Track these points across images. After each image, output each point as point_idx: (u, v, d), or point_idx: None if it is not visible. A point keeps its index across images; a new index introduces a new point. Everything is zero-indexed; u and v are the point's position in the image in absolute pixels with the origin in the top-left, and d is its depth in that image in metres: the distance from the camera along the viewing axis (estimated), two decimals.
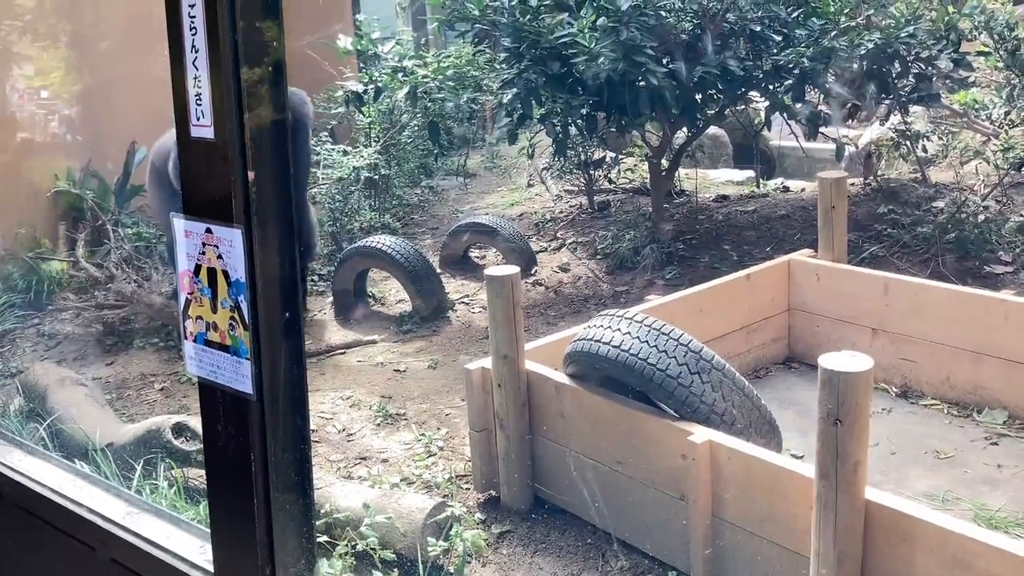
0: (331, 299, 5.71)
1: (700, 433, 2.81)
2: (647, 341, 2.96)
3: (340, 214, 6.30)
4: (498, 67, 5.34)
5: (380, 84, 5.28)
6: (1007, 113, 7.11)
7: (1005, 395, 3.80)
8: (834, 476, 2.34)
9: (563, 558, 3.18)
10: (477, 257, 6.34)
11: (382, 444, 4.08)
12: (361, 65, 6.25)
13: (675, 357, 2.91)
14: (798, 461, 2.75)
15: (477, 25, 5.17)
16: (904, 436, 3.73)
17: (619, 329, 3.03)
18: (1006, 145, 5.99)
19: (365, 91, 5.42)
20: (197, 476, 3.68)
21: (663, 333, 2.97)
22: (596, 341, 3.06)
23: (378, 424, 4.26)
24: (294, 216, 1.68)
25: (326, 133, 6.70)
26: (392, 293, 5.90)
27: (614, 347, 3.00)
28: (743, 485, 2.74)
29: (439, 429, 4.15)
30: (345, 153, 6.52)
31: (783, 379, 4.30)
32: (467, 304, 5.63)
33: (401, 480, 3.68)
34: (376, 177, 6.63)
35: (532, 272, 5.92)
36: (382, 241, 5.48)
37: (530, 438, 3.39)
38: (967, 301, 3.90)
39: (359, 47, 5.39)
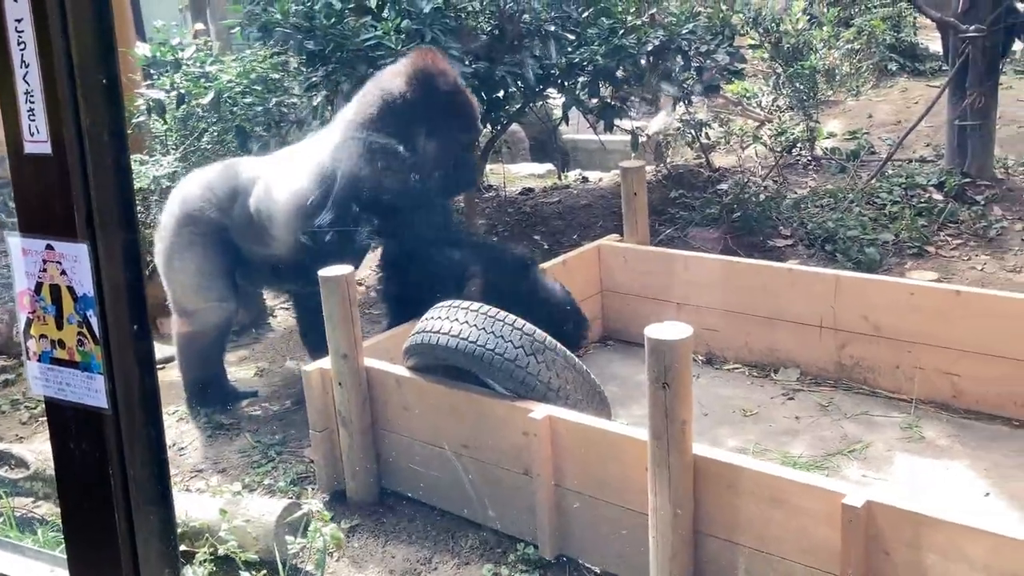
0: None
1: (539, 410, 3.00)
2: (484, 328, 3.12)
3: (143, 226, 6.09)
4: (303, 70, 5.34)
5: (182, 91, 5.16)
6: (774, 100, 7.82)
7: (796, 354, 4.23)
8: (665, 436, 2.59)
9: (415, 544, 3.29)
10: None
11: (216, 455, 4.03)
12: (153, 72, 6.04)
13: (511, 341, 3.09)
14: (629, 427, 2.98)
15: (279, 29, 5.14)
16: (713, 399, 4.09)
17: (456, 319, 3.17)
18: (779, 129, 6.58)
19: (167, 98, 5.27)
20: (22, 505, 3.54)
21: (498, 319, 3.13)
22: (435, 332, 3.19)
23: (209, 436, 4.20)
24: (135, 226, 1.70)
25: None
26: None
27: (452, 336, 3.14)
28: (582, 454, 2.95)
29: (275, 435, 4.15)
30: (142, 163, 6.30)
31: (602, 356, 4.58)
32: (287, 309, 5.59)
33: (243, 488, 3.66)
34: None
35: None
36: None
37: (374, 433, 3.47)
38: (758, 272, 4.31)
39: (158, 54, 5.24)
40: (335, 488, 3.57)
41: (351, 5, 5.03)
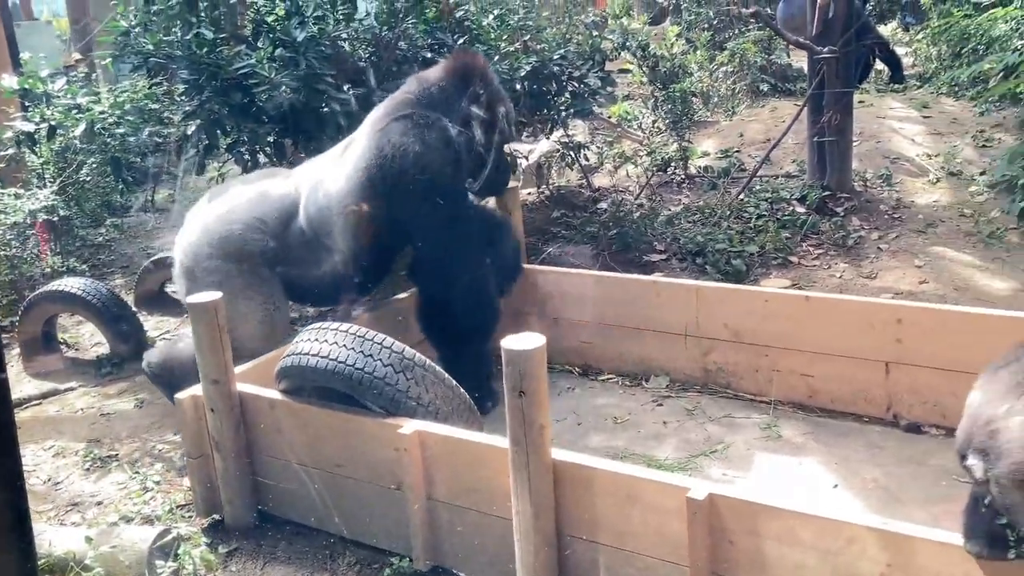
0: (17, 351, 5.41)
1: (409, 425, 3.08)
2: (353, 348, 3.19)
3: (19, 260, 5.98)
4: (178, 99, 5.34)
5: (53, 122, 5.10)
6: (654, 122, 8.11)
7: (665, 363, 4.42)
8: (524, 441, 2.70)
9: (293, 564, 3.32)
10: (174, 291, 6.23)
11: (94, 488, 3.99)
12: (27, 104, 5.96)
13: (380, 359, 3.17)
14: (494, 436, 3.09)
15: (152, 59, 5.14)
16: (587, 408, 4.24)
17: (326, 340, 3.23)
18: (650, 149, 6.84)
19: (37, 130, 5.20)
20: None
21: (367, 339, 3.21)
22: (305, 355, 3.24)
23: (87, 469, 4.16)
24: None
25: None
26: (87, 337, 5.70)
27: (323, 357, 3.20)
28: (450, 465, 3.04)
29: (153, 465, 4.12)
30: (17, 196, 6.18)
31: None
32: (168, 340, 5.55)
33: (120, 519, 3.63)
34: (55, 219, 6.35)
35: None
36: (70, 284, 5.28)
37: (249, 457, 3.50)
38: (627, 285, 4.49)
39: (27, 86, 5.17)
40: (213, 514, 3.58)
41: (223, 35, 5.06)
